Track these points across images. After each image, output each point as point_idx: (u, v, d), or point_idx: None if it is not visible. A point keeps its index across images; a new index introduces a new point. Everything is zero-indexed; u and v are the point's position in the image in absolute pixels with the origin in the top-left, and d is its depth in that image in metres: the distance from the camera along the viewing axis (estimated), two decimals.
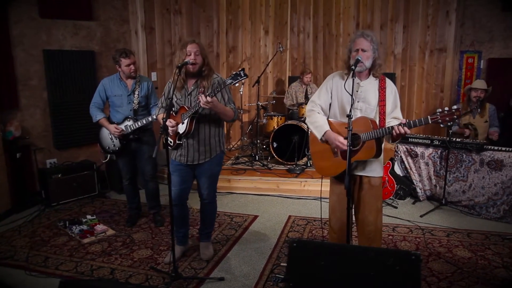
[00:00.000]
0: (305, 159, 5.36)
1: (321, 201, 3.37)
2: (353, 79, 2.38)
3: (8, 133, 4.22)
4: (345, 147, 2.39)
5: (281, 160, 5.36)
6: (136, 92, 3.65)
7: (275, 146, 5.39)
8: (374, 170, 2.60)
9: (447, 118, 2.24)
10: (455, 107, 2.24)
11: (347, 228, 2.43)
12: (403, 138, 2.66)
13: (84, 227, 3.74)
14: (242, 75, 2.52)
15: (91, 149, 5.10)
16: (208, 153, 2.99)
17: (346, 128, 2.31)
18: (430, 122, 2.28)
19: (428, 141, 4.38)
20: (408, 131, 2.35)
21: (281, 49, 5.98)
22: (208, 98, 2.59)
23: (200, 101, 2.63)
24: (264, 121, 5.81)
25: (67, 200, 4.53)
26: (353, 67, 2.39)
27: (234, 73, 2.57)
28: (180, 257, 3.20)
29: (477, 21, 5.55)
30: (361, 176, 2.61)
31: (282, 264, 2.81)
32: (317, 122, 2.61)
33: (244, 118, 6.80)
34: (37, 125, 4.67)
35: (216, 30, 6.23)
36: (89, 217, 3.96)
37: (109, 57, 5.13)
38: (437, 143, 4.31)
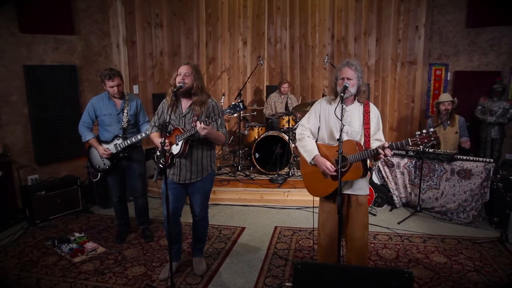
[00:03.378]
0: (286, 168, 5.55)
1: (313, 212, 3.50)
2: (342, 105, 2.56)
3: None
4: (331, 172, 2.62)
5: (263, 170, 5.51)
6: (125, 111, 3.70)
7: (257, 156, 5.54)
8: (361, 189, 2.80)
9: (426, 140, 2.46)
10: (431, 130, 2.46)
11: (338, 244, 2.61)
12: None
13: (74, 245, 3.74)
14: (242, 107, 2.65)
15: (73, 163, 5.08)
16: (200, 173, 3.09)
17: (336, 151, 2.51)
18: (410, 144, 2.49)
19: (403, 152, 4.66)
20: (391, 153, 2.56)
21: (261, 62, 6.14)
22: (203, 125, 2.70)
23: (196, 126, 2.75)
24: (246, 132, 5.94)
25: (52, 217, 4.49)
26: (342, 94, 2.57)
27: (233, 104, 2.70)
28: (174, 273, 3.28)
29: (444, 36, 5.93)
30: (349, 195, 2.80)
31: (287, 284, 2.94)
32: (307, 146, 2.79)
33: None
34: (18, 142, 4.60)
35: (196, 42, 6.31)
36: (77, 234, 3.96)
37: (90, 71, 5.14)
38: (411, 154, 4.60)
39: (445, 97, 4.82)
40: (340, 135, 2.49)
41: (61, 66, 4.84)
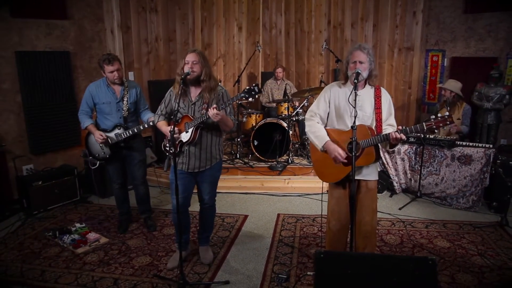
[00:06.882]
0: (285, 156, 5.53)
1: (321, 199, 3.49)
2: (356, 92, 2.52)
3: None
4: (342, 159, 2.60)
5: (262, 158, 5.48)
6: (125, 99, 3.60)
7: (255, 144, 5.49)
8: (371, 174, 2.79)
9: (441, 124, 2.45)
10: (447, 113, 2.45)
11: (350, 230, 2.61)
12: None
13: (76, 236, 3.67)
14: (257, 90, 2.59)
15: (69, 152, 4.96)
16: (209, 161, 3.05)
17: (348, 136, 2.48)
18: (425, 128, 2.48)
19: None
20: (404, 137, 2.55)
21: (259, 48, 6.05)
22: (215, 111, 2.65)
23: (207, 112, 2.71)
24: (244, 119, 5.88)
25: (49, 207, 4.40)
26: (355, 80, 2.54)
27: (247, 88, 2.64)
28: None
29: (441, 22, 5.92)
30: (359, 180, 2.79)
31: (309, 273, 2.93)
32: (317, 132, 2.76)
33: None
34: (12, 131, 4.46)
35: (191, 28, 6.17)
36: (78, 225, 3.88)
37: (84, 58, 4.99)
38: (412, 140, 4.62)
39: (447, 83, 4.83)
40: (354, 122, 2.46)
41: (54, 52, 4.67)
